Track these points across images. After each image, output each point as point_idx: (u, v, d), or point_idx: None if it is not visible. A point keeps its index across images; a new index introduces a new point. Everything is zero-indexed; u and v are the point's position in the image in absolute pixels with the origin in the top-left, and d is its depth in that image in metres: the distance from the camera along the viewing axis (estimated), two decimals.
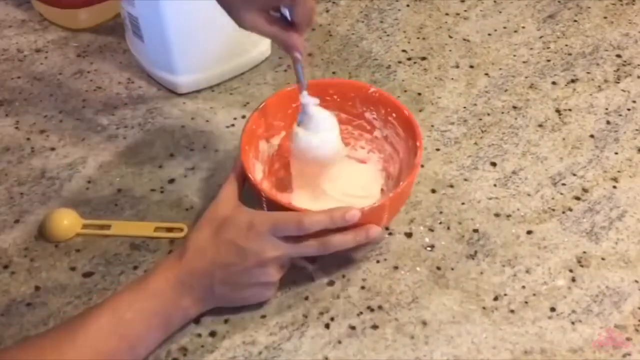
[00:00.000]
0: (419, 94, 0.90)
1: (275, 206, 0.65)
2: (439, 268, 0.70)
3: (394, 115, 0.74)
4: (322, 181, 0.73)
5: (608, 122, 0.86)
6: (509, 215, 0.75)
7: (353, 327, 0.65)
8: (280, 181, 0.76)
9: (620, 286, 0.69)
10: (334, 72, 0.93)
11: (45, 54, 0.96)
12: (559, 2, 1.06)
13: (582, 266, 0.71)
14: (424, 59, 0.95)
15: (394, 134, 0.74)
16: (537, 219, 0.75)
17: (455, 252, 0.72)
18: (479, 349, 0.64)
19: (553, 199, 0.77)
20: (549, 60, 0.95)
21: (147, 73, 0.92)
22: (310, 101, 0.68)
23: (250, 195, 0.67)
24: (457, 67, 0.94)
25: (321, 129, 0.69)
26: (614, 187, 0.79)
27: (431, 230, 0.74)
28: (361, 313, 0.67)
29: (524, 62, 0.95)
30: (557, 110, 0.88)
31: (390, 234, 0.73)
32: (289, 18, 0.65)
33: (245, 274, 0.62)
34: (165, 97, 0.90)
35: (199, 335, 0.65)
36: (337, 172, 0.74)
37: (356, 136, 0.78)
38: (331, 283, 0.69)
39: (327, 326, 0.66)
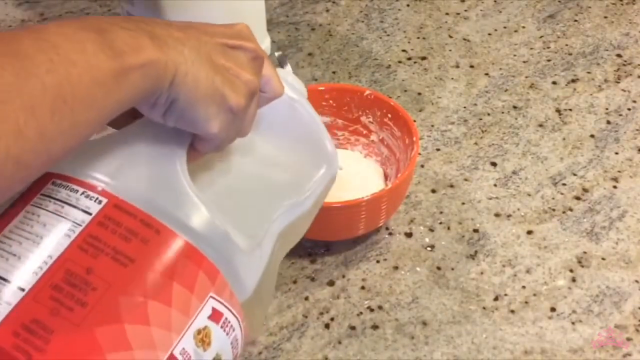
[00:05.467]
0: (419, 93, 0.90)
1: None
2: (439, 268, 0.70)
3: (389, 116, 0.74)
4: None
5: (608, 122, 0.86)
6: (509, 215, 0.75)
7: (353, 327, 0.65)
8: None
9: (621, 286, 0.69)
10: (334, 72, 0.93)
11: None
12: (559, 1, 1.06)
13: (582, 266, 0.70)
14: (424, 58, 0.95)
15: (390, 135, 0.75)
16: (537, 219, 0.75)
17: (455, 252, 0.72)
18: (479, 349, 0.64)
19: (553, 199, 0.77)
20: (549, 60, 0.95)
21: None
22: None
23: None
24: (457, 67, 0.94)
25: None
26: (614, 187, 0.78)
27: (431, 230, 0.74)
28: (361, 313, 0.66)
29: (524, 62, 0.95)
30: (558, 110, 0.88)
31: (390, 234, 0.73)
32: None
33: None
34: None
35: None
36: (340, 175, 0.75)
37: (352, 142, 0.78)
38: (331, 283, 0.69)
39: (327, 326, 0.65)
